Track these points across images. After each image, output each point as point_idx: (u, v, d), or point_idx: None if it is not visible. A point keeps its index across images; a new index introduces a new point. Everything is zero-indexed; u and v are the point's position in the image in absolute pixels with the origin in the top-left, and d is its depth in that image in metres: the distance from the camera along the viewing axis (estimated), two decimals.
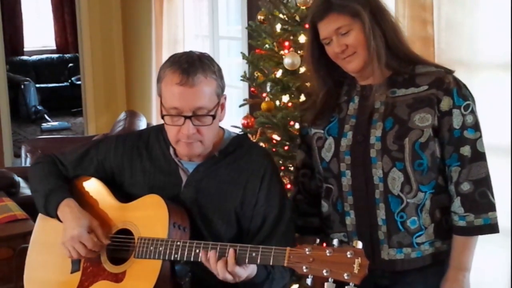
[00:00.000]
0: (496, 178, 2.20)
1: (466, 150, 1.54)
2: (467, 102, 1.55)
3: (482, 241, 2.28)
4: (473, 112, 1.55)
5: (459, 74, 2.27)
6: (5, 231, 2.74)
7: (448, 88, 1.54)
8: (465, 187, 1.54)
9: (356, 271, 1.21)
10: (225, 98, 1.54)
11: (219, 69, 1.51)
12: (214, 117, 1.47)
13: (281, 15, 2.42)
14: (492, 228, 1.55)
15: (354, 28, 1.53)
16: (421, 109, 1.53)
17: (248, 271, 1.39)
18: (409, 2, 2.27)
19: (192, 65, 1.44)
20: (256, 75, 2.58)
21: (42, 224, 1.72)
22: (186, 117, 1.45)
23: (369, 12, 1.54)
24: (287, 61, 2.30)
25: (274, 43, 2.44)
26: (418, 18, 2.27)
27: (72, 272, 1.59)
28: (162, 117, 1.49)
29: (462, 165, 1.54)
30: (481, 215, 1.54)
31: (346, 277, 1.22)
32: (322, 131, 1.65)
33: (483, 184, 1.54)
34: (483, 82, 2.23)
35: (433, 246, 1.59)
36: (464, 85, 1.58)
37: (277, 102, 2.47)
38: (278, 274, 1.48)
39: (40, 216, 1.72)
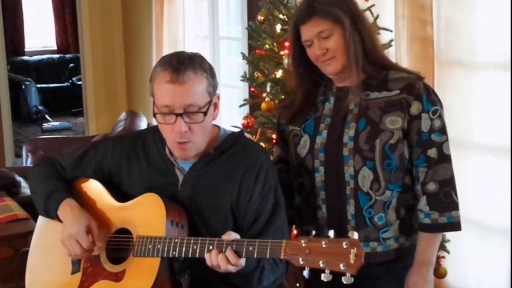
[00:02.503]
0: (496, 178, 2.22)
1: (433, 152, 1.61)
2: (435, 107, 1.62)
3: (482, 241, 2.29)
4: (440, 117, 1.63)
5: (458, 74, 2.29)
6: (6, 231, 2.74)
7: (418, 94, 1.61)
8: (431, 187, 1.61)
9: (352, 261, 1.22)
10: (218, 98, 1.56)
11: (211, 68, 1.53)
12: (205, 114, 1.48)
13: (281, 16, 2.43)
14: (454, 226, 1.63)
15: (335, 33, 1.60)
16: (392, 112, 1.61)
17: None
18: (408, 2, 2.28)
19: (182, 63, 1.46)
20: (256, 75, 2.59)
21: (42, 227, 1.72)
22: (177, 115, 1.46)
23: (350, 18, 1.61)
24: (287, 61, 2.31)
25: (274, 44, 2.45)
26: (418, 19, 2.28)
27: (72, 273, 1.60)
28: (154, 115, 1.50)
29: (429, 166, 1.62)
30: (445, 213, 1.61)
31: (342, 268, 1.23)
32: (298, 129, 1.72)
33: (448, 184, 1.62)
34: (482, 82, 2.23)
35: (397, 242, 1.66)
36: (433, 91, 1.66)
37: (277, 102, 2.47)
38: (268, 266, 1.49)
39: (40, 218, 1.72)
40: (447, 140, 1.63)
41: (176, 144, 1.51)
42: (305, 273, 1.27)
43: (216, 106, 1.55)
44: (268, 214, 1.53)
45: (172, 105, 1.45)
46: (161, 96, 1.47)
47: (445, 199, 1.61)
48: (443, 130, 1.63)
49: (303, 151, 1.69)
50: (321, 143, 1.66)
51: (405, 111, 1.60)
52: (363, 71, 1.64)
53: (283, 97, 2.37)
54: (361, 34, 1.62)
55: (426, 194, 1.62)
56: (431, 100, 1.62)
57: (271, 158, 1.87)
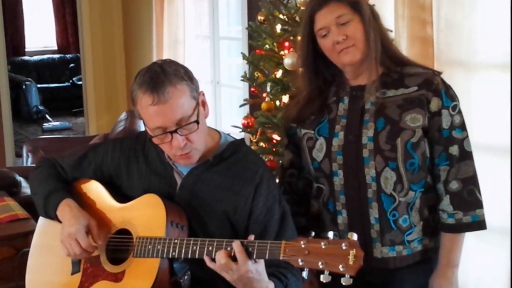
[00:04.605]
0: (496, 178, 2.22)
1: (454, 150, 1.57)
2: (455, 102, 1.58)
3: (482, 241, 2.29)
4: (460, 113, 1.59)
5: (458, 74, 2.29)
6: (6, 231, 2.74)
7: (436, 89, 1.56)
8: (454, 185, 1.57)
9: (351, 262, 1.21)
10: (203, 95, 1.53)
11: (186, 71, 1.49)
12: (198, 122, 1.47)
13: (281, 16, 2.43)
14: (480, 225, 1.59)
15: (353, 19, 1.54)
16: (412, 109, 1.56)
17: (266, 279, 1.37)
18: (408, 2, 2.28)
19: (158, 81, 1.43)
20: (256, 75, 2.59)
21: (43, 227, 1.72)
22: (171, 132, 1.45)
23: (368, 6, 1.56)
24: (287, 61, 2.31)
25: (274, 44, 2.45)
26: (418, 19, 2.27)
27: (72, 274, 1.60)
28: (150, 139, 1.49)
29: (451, 164, 1.58)
30: (469, 212, 1.57)
31: (341, 269, 1.21)
32: (312, 132, 1.66)
33: (471, 182, 1.58)
34: (482, 82, 2.23)
35: (421, 243, 1.62)
36: (450, 86, 1.61)
37: (277, 102, 2.48)
38: (293, 284, 1.47)
39: (41, 219, 1.72)
40: (467, 136, 1.59)
41: (178, 157, 1.50)
42: (304, 274, 1.26)
43: (204, 104, 1.53)
44: (277, 225, 1.52)
45: (164, 125, 1.44)
46: (150, 120, 1.46)
47: (469, 198, 1.56)
48: (463, 126, 1.58)
49: (320, 154, 1.63)
50: (339, 146, 1.60)
51: (425, 108, 1.55)
52: (381, 64, 1.58)
53: (286, 99, 2.37)
54: (378, 24, 1.57)
55: (449, 193, 1.57)
56: (450, 95, 1.57)
57: (281, 161, 1.83)
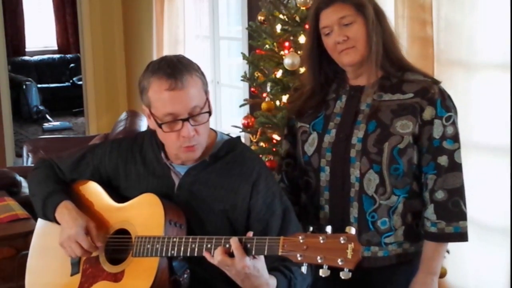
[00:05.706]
0: (496, 178, 2.22)
1: (443, 160, 1.58)
2: (449, 113, 1.58)
3: (482, 241, 2.29)
4: (454, 124, 1.59)
5: (458, 74, 2.29)
6: (7, 231, 2.75)
7: (432, 98, 1.57)
8: (439, 195, 1.58)
9: (349, 256, 1.21)
10: (209, 94, 1.55)
11: (199, 67, 1.52)
12: (210, 113, 1.48)
13: (281, 16, 2.43)
14: (461, 236, 1.59)
15: (357, 21, 1.56)
16: (404, 116, 1.57)
17: (266, 276, 1.37)
18: (408, 2, 2.28)
19: (175, 68, 1.44)
20: (256, 75, 2.60)
21: (42, 228, 1.72)
22: (183, 120, 1.44)
23: (373, 9, 1.57)
24: (287, 61, 2.31)
25: (274, 44, 2.46)
26: (418, 19, 2.28)
27: (72, 275, 1.60)
28: (160, 126, 1.47)
29: (438, 173, 1.58)
30: (452, 223, 1.58)
31: (340, 263, 1.21)
32: (307, 126, 1.69)
33: (457, 193, 1.58)
34: (482, 82, 2.23)
35: (401, 247, 1.63)
36: (449, 96, 1.61)
37: (277, 102, 2.48)
38: (299, 277, 1.47)
39: (39, 221, 1.72)
40: (459, 148, 1.59)
41: (183, 149, 1.49)
42: (303, 269, 1.26)
43: (209, 103, 1.54)
44: (279, 222, 1.51)
45: (177, 112, 1.44)
46: (162, 105, 1.45)
47: (453, 209, 1.57)
48: (455, 138, 1.58)
49: (310, 149, 1.66)
50: (329, 142, 1.63)
51: (417, 116, 1.57)
52: (381, 68, 1.60)
53: (286, 99, 2.37)
54: (382, 27, 1.58)
55: (434, 202, 1.58)
56: (445, 106, 1.58)
57: (282, 152, 1.85)
